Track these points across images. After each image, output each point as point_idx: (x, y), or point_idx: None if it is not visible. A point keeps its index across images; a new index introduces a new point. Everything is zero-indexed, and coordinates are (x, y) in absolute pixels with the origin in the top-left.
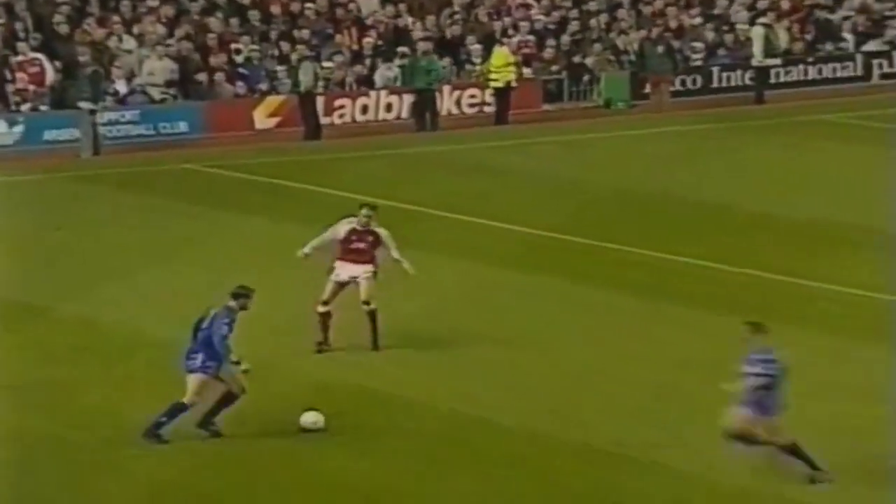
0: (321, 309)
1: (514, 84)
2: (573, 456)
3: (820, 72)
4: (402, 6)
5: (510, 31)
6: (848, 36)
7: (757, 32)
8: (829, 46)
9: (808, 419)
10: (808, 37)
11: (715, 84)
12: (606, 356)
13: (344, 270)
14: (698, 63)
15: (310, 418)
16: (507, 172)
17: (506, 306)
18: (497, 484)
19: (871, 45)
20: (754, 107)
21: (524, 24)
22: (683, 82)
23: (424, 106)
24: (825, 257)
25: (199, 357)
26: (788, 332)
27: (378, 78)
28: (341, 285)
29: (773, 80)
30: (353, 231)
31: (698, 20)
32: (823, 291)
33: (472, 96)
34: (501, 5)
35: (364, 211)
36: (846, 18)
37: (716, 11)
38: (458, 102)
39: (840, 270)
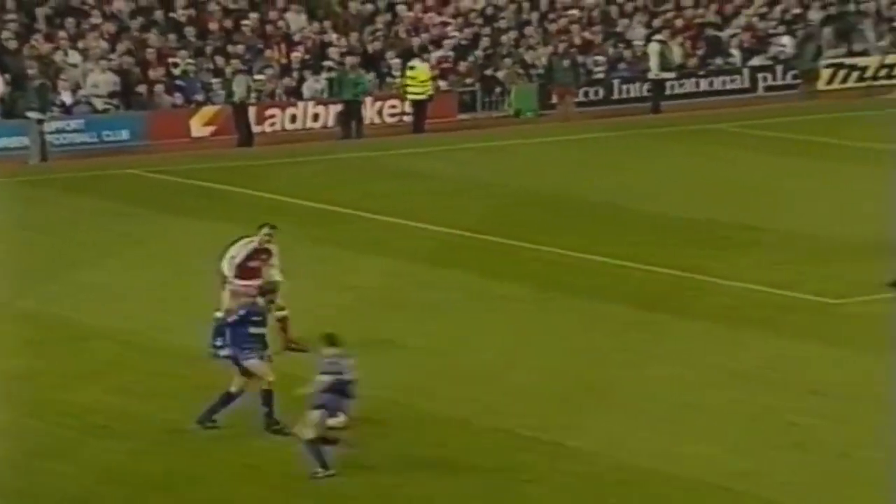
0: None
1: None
2: (489, 438)
3: (711, 84)
4: (327, 23)
5: (429, 48)
6: (735, 52)
7: (653, 48)
8: (718, 61)
9: (703, 405)
10: (700, 52)
11: (615, 95)
12: (519, 346)
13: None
14: (600, 76)
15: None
16: (426, 177)
17: (426, 300)
18: (419, 464)
19: (756, 60)
20: (651, 116)
21: (447, 42)
22: (587, 94)
23: (350, 115)
24: (718, 254)
25: (233, 349)
26: (684, 323)
27: (306, 90)
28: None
29: (668, 92)
30: (255, 250)
31: (600, 37)
32: (716, 286)
33: (393, 107)
34: (419, 23)
35: (265, 230)
36: (733, 36)
37: (616, 29)
38: (379, 112)
39: (732, 266)
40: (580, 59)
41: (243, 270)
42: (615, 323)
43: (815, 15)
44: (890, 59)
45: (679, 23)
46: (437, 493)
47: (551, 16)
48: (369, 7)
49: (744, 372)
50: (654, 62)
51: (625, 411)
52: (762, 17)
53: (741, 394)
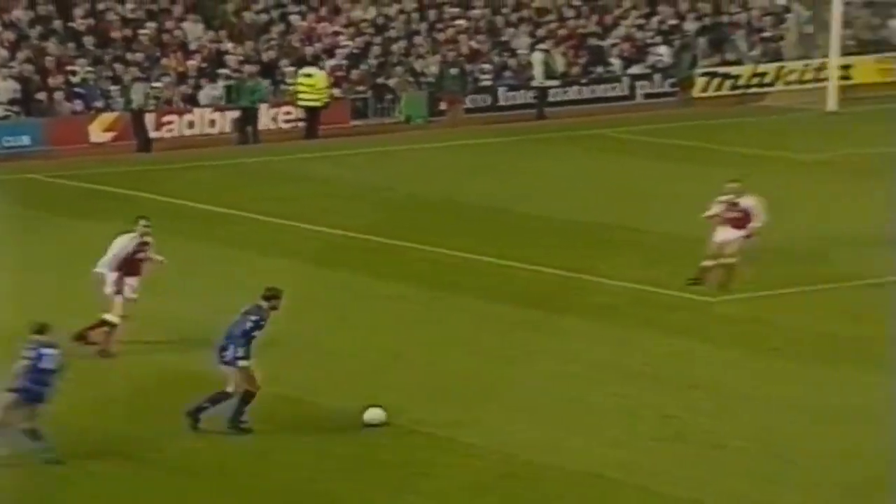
0: (117, 321)
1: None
2: (384, 434)
3: (592, 92)
4: (223, 32)
5: (322, 56)
6: (615, 61)
7: (537, 57)
8: (599, 69)
9: (587, 400)
10: (582, 61)
11: (502, 102)
12: (406, 343)
13: (137, 284)
14: (487, 84)
15: (374, 415)
16: (319, 180)
17: (317, 300)
18: (315, 457)
19: (635, 69)
20: (536, 123)
21: (340, 51)
22: (474, 101)
23: (247, 121)
24: (602, 255)
25: (230, 350)
26: (569, 321)
27: (203, 97)
28: (134, 301)
29: (552, 99)
30: (140, 243)
31: (486, 46)
32: (600, 285)
33: (288, 113)
34: (312, 33)
35: (143, 222)
36: (614, 45)
37: (502, 38)
38: (274, 118)
39: (615, 267)
40: (468, 67)
41: (131, 265)
42: (503, 321)
43: (690, 26)
44: (761, 67)
45: (562, 33)
46: (333, 486)
47: (439, 26)
48: (264, 17)
49: (627, 368)
50: (538, 70)
51: (513, 407)
52: (640, 27)
53: (624, 389)
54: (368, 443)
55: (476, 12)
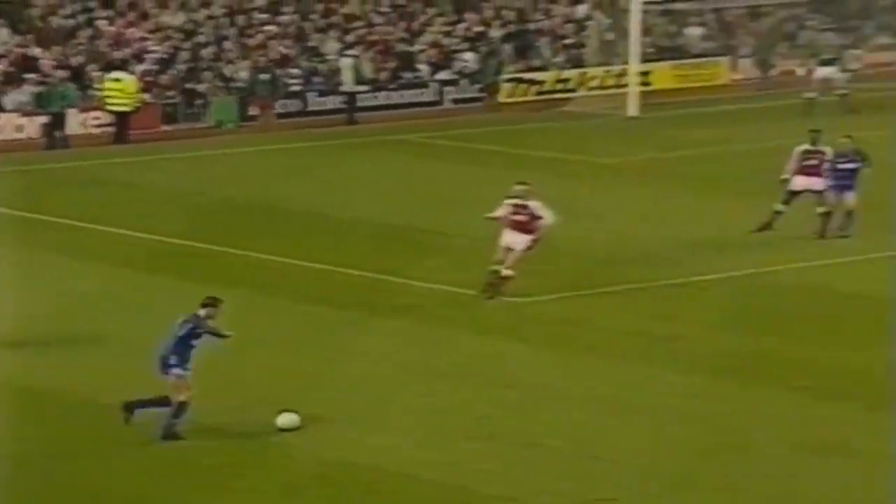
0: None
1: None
2: (202, 436)
3: (401, 97)
4: (29, 37)
5: (131, 61)
6: (423, 67)
7: (346, 63)
8: (407, 75)
9: (398, 400)
10: (390, 67)
11: (311, 108)
12: (223, 345)
13: None
14: (297, 89)
15: (287, 420)
16: (130, 185)
17: (128, 303)
18: (130, 460)
19: (442, 75)
20: (346, 127)
21: (149, 56)
22: (284, 106)
23: (56, 127)
24: (412, 257)
25: (170, 360)
26: (380, 322)
27: (9, 101)
28: None
29: (361, 105)
30: None
31: (295, 51)
32: (411, 287)
33: (97, 118)
34: (120, 38)
35: None
36: (421, 51)
37: (310, 44)
38: (83, 124)
39: (425, 269)
40: (277, 72)
41: None
42: (315, 323)
43: (495, 33)
44: (564, 74)
45: (370, 38)
46: (151, 489)
47: (249, 31)
48: (71, 22)
49: (438, 368)
50: (347, 76)
51: (326, 407)
52: (447, 34)
53: (435, 388)
54: (184, 445)
55: (285, 18)
